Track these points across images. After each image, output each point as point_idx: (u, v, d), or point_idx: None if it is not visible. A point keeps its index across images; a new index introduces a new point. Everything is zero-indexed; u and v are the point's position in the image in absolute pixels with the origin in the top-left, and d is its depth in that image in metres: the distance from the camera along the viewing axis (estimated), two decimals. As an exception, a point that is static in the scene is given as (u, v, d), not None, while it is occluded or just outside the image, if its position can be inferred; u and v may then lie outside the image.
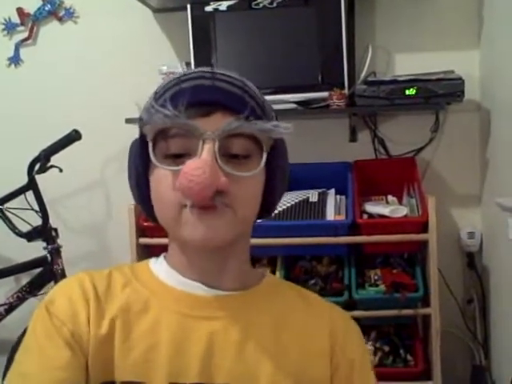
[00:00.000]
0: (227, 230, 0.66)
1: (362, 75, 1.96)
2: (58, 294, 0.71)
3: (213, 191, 0.61)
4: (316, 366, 0.72)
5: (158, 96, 0.68)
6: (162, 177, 0.66)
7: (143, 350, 0.67)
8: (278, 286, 0.80)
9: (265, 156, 0.66)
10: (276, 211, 1.38)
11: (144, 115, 0.67)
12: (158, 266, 0.76)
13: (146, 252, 1.88)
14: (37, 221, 1.92)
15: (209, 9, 1.90)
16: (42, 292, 1.96)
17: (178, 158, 0.65)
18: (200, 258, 0.71)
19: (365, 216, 1.83)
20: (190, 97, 0.64)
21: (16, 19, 2.24)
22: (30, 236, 1.90)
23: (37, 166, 1.87)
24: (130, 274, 0.75)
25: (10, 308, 1.96)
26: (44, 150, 1.86)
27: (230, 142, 0.64)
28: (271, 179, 0.71)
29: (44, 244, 1.93)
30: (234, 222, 0.66)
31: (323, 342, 0.73)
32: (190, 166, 0.61)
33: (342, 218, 1.81)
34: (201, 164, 0.60)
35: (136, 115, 1.58)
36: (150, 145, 0.65)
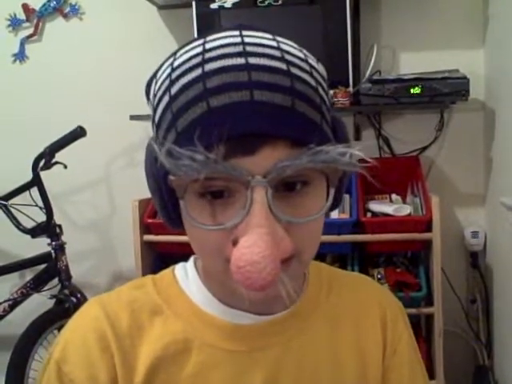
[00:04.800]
0: (292, 285, 0.50)
1: (367, 74, 1.95)
2: (70, 346, 0.57)
3: (278, 277, 0.46)
4: (372, 366, 0.64)
5: (176, 115, 0.48)
6: (198, 209, 0.49)
7: None
8: (321, 278, 0.67)
9: (332, 193, 0.50)
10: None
11: (163, 156, 0.46)
12: (190, 285, 0.61)
13: (151, 249, 1.88)
14: (41, 217, 1.92)
15: (214, 6, 1.90)
16: (45, 288, 1.97)
17: (219, 197, 0.49)
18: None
19: (368, 214, 1.83)
20: (228, 128, 0.45)
21: (21, 15, 2.24)
22: (34, 232, 1.90)
23: (41, 163, 1.87)
24: (156, 296, 0.60)
25: (14, 304, 1.97)
26: (49, 147, 1.86)
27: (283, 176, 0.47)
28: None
29: (48, 240, 1.94)
30: (300, 271, 0.55)
31: (377, 341, 0.65)
32: (244, 257, 0.44)
33: (345, 216, 1.80)
34: (258, 249, 0.44)
35: (140, 112, 1.59)
36: (182, 203, 0.49)
